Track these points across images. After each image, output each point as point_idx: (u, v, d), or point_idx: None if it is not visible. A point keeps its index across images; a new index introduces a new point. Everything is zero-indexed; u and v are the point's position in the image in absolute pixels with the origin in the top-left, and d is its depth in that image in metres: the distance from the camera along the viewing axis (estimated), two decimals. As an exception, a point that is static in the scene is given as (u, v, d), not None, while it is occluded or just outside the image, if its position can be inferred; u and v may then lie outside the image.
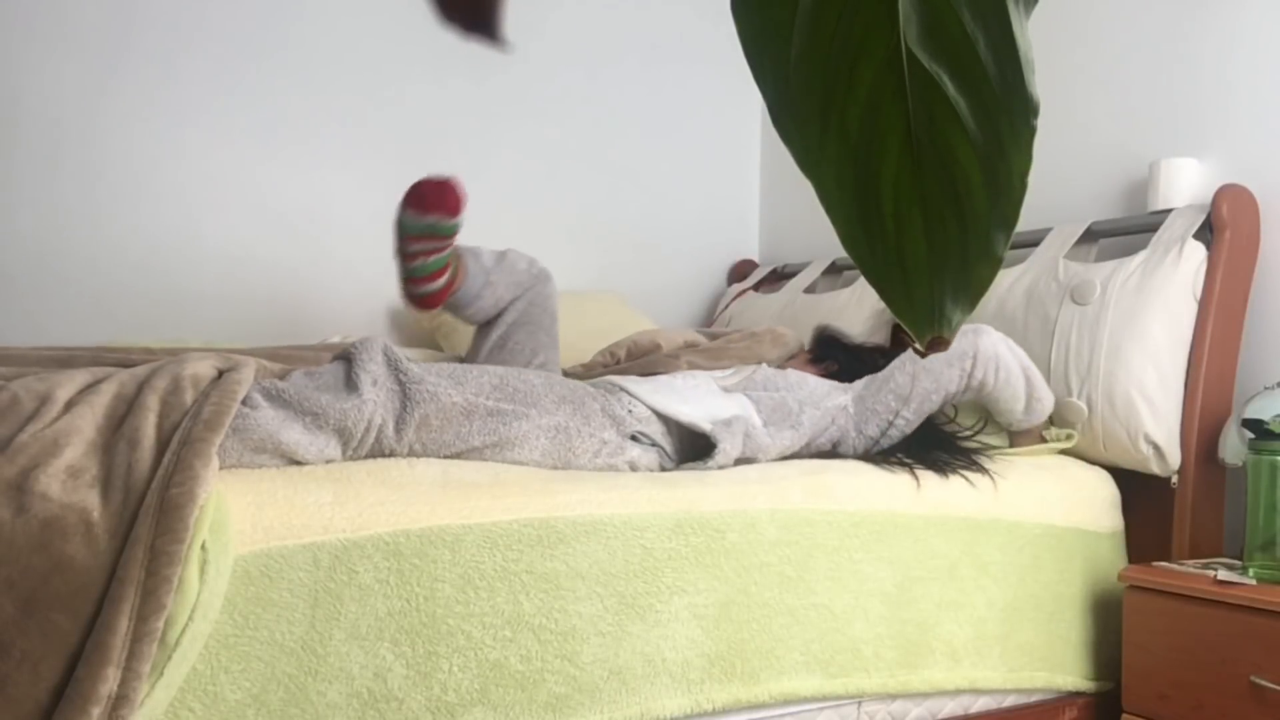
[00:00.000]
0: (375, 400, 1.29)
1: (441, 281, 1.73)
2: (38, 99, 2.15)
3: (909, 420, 1.72)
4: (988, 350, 1.76)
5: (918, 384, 1.72)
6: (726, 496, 1.45)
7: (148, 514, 1.05)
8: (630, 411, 1.54)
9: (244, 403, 1.22)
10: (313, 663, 1.13)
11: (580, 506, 1.33)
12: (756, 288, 2.87)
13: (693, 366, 1.95)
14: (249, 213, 2.37)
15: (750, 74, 0.43)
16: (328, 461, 1.27)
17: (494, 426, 1.38)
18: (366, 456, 1.31)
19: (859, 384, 1.77)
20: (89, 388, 1.20)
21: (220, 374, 1.26)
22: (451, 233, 1.68)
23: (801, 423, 1.67)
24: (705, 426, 1.55)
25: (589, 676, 1.30)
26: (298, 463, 1.25)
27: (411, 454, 1.34)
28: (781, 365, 2.03)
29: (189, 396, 1.18)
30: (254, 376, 1.27)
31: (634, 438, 1.53)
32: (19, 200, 2.15)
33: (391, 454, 1.33)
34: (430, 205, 1.64)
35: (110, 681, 0.98)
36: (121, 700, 0.98)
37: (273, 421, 1.22)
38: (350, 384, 1.30)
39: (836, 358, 1.98)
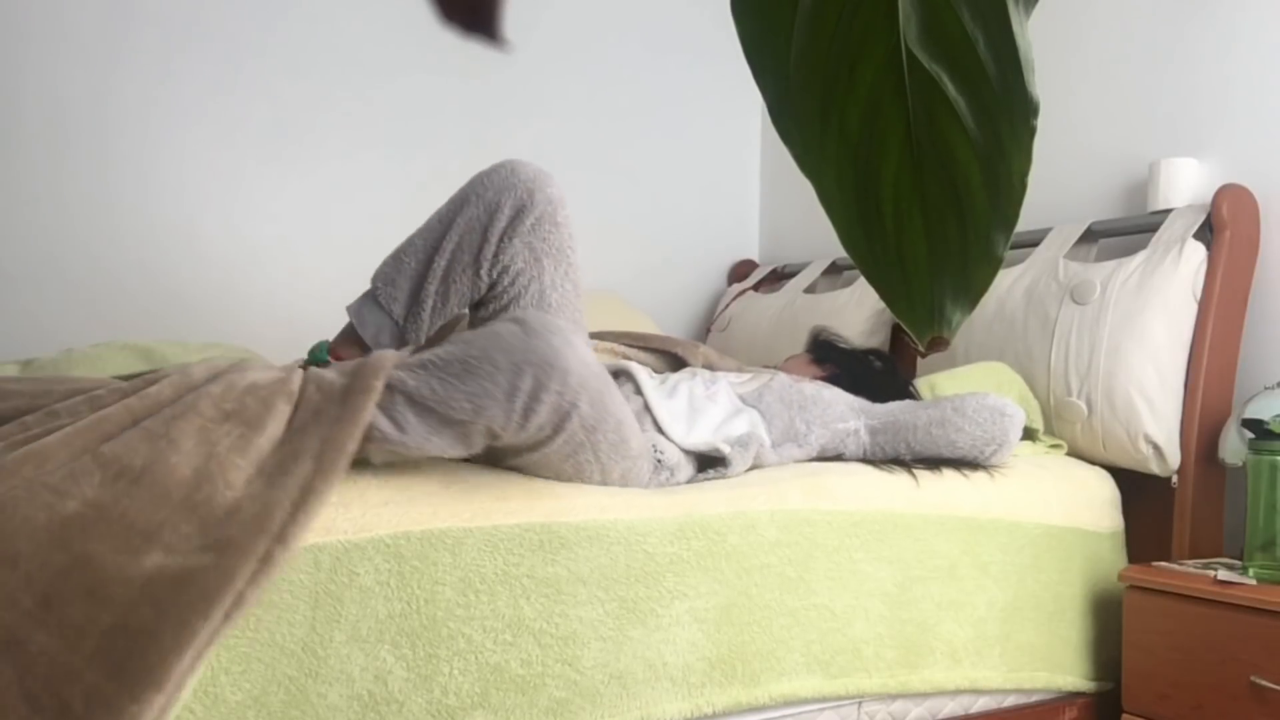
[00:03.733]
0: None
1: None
2: (38, 99, 2.14)
3: (915, 454, 1.72)
4: (1014, 443, 1.72)
5: (934, 436, 1.70)
6: (726, 499, 1.45)
7: (237, 556, 1.03)
8: (660, 459, 1.50)
9: (389, 418, 1.18)
10: (313, 664, 1.13)
11: (583, 512, 1.33)
12: (756, 288, 2.87)
13: (707, 361, 1.94)
14: (249, 213, 2.37)
15: (750, 74, 0.43)
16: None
17: (575, 469, 1.34)
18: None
19: (877, 414, 1.74)
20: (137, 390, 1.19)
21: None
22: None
23: (809, 441, 1.69)
24: (725, 450, 1.55)
25: (589, 681, 1.30)
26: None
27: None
28: (785, 363, 2.03)
29: (260, 414, 1.16)
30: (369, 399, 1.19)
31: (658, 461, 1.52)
32: (17, 200, 2.15)
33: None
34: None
35: (148, 706, 0.98)
36: None
37: (419, 441, 1.20)
38: (511, 392, 1.18)
39: (835, 362, 1.98)
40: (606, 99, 2.84)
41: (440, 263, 1.51)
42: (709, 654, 1.38)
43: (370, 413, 1.16)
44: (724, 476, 1.54)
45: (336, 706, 1.14)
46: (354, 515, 1.19)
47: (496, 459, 1.35)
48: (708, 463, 1.57)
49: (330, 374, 1.24)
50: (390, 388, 1.20)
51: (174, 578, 1.02)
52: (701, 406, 1.64)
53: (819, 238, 2.83)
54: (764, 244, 3.10)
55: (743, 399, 1.71)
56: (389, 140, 2.52)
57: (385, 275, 1.55)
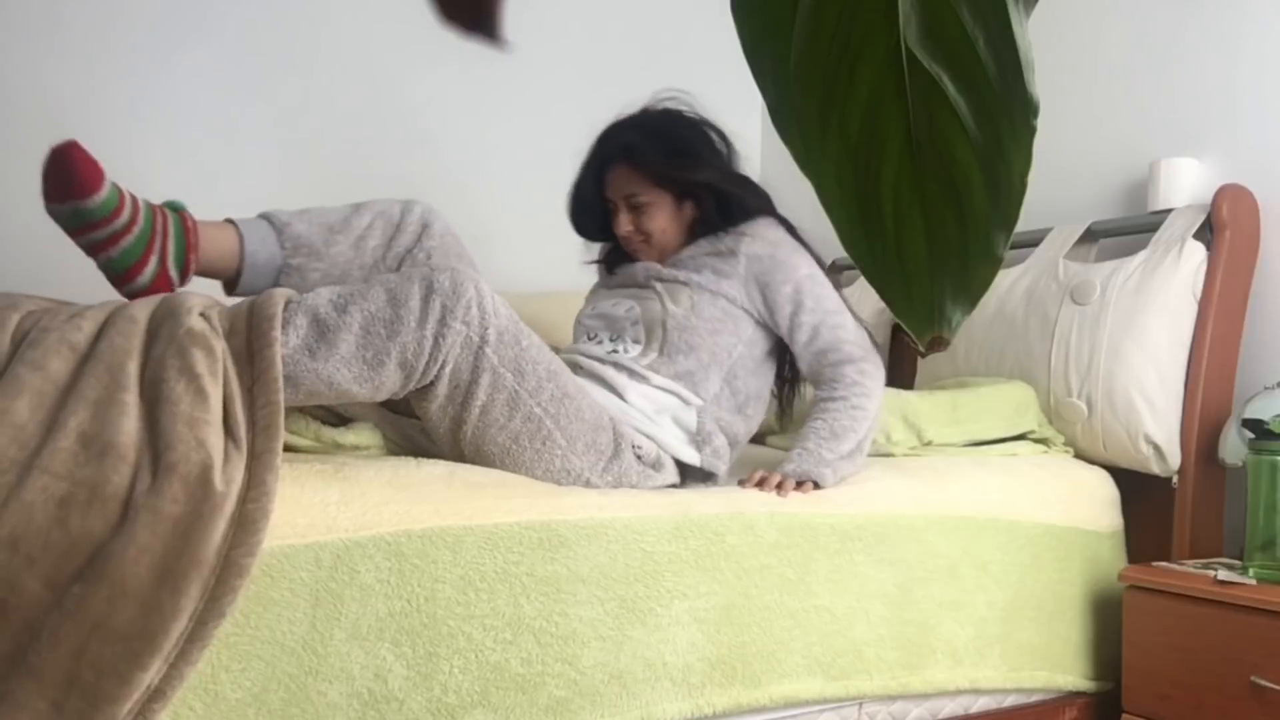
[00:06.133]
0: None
1: (150, 269, 1.36)
2: (36, 98, 2.14)
3: None
4: None
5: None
6: (725, 499, 1.45)
7: (215, 516, 1.05)
8: (640, 454, 1.50)
9: (285, 333, 1.21)
10: (313, 662, 1.13)
11: (581, 510, 1.33)
12: (756, 288, 2.86)
13: None
14: (249, 213, 2.37)
15: (750, 74, 0.43)
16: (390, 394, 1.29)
17: (531, 433, 1.37)
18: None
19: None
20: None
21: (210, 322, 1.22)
22: (101, 216, 1.30)
23: (708, 381, 1.60)
24: (694, 458, 1.56)
25: (589, 680, 1.30)
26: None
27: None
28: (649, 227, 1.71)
29: (205, 363, 1.16)
30: (277, 309, 1.22)
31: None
32: (18, 199, 2.15)
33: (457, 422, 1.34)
34: (61, 193, 1.30)
35: (152, 673, 0.99)
36: (157, 694, 1.00)
37: (325, 368, 1.23)
38: (422, 319, 1.25)
39: (695, 192, 1.70)
40: (606, 99, 2.83)
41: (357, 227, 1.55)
42: (709, 654, 1.38)
43: (274, 364, 1.18)
44: (715, 483, 1.55)
45: (336, 704, 1.14)
46: (355, 513, 1.19)
47: (476, 450, 1.37)
48: (692, 474, 1.58)
49: (232, 322, 1.23)
50: (309, 312, 1.23)
51: (164, 541, 1.03)
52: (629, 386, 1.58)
53: (819, 238, 2.82)
54: (764, 244, 3.10)
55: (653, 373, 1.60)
56: (387, 140, 2.52)
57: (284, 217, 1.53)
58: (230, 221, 1.48)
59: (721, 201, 1.68)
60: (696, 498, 1.43)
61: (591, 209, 1.73)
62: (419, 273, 1.28)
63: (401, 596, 1.19)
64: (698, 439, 1.57)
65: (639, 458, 1.48)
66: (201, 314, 1.21)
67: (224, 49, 2.32)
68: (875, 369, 1.62)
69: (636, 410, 1.54)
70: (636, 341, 1.61)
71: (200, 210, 2.28)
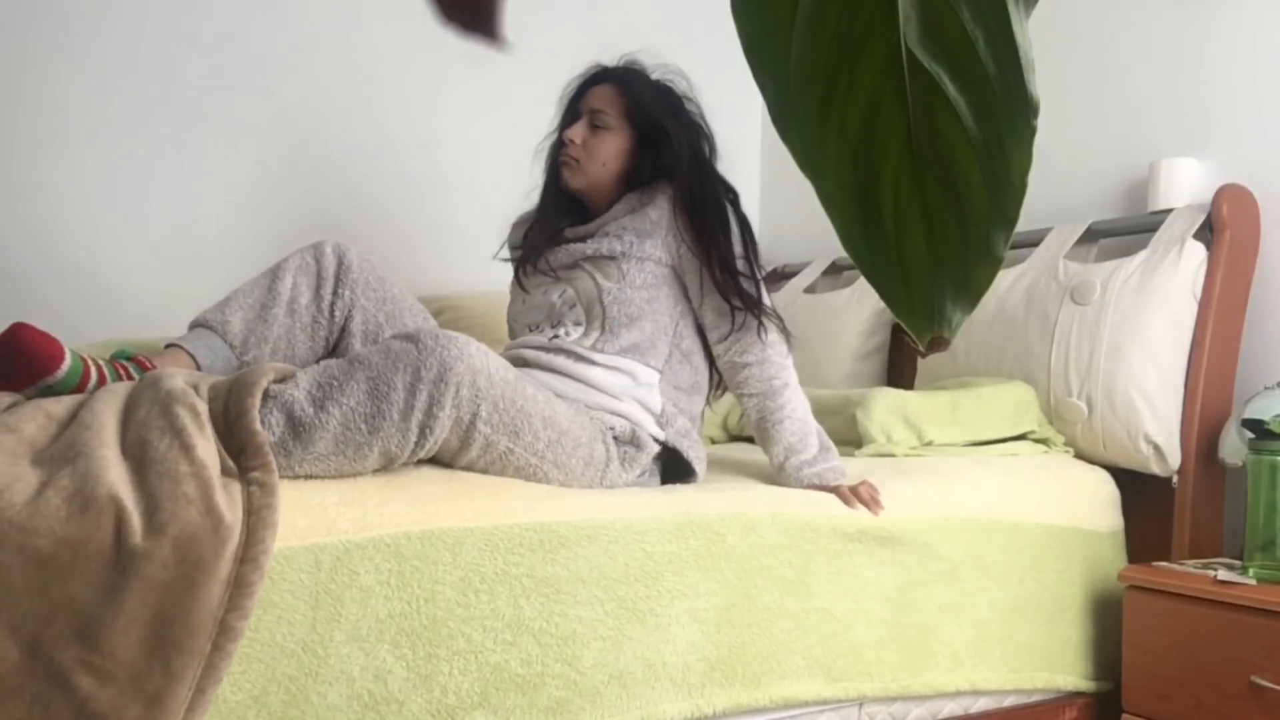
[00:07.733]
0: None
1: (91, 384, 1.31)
2: (37, 99, 2.14)
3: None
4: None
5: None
6: (727, 500, 1.45)
7: (208, 581, 1.03)
8: (617, 438, 1.51)
9: (267, 428, 1.18)
10: (313, 664, 1.13)
11: (582, 511, 1.33)
12: (756, 288, 2.86)
13: None
14: (253, 215, 2.37)
15: (750, 74, 0.43)
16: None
17: (527, 476, 1.37)
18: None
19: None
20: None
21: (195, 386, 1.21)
22: (71, 386, 1.27)
23: (656, 346, 1.59)
24: (660, 434, 1.55)
25: (589, 681, 1.30)
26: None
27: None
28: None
29: (188, 420, 1.14)
30: (259, 388, 1.20)
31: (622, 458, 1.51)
32: (17, 200, 2.15)
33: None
34: (26, 376, 1.25)
35: None
36: None
37: (309, 463, 1.21)
38: (406, 411, 1.22)
39: (651, 149, 1.67)
40: (607, 99, 2.83)
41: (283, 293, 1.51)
42: (709, 654, 1.38)
43: (257, 433, 1.15)
44: (695, 479, 1.56)
45: (336, 706, 1.14)
46: (354, 515, 1.19)
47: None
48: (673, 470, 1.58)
49: (217, 401, 1.21)
50: (284, 409, 1.19)
51: (154, 609, 1.01)
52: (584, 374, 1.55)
53: (819, 238, 2.83)
54: (764, 244, 3.10)
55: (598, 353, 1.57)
56: (390, 139, 2.52)
57: (214, 310, 1.51)
58: (174, 345, 1.46)
59: (661, 171, 1.66)
60: (698, 497, 1.43)
61: (568, 120, 1.73)
62: (405, 355, 1.23)
63: (401, 598, 1.19)
64: (661, 419, 1.56)
65: (616, 439, 1.48)
66: (186, 381, 1.21)
67: (225, 51, 2.32)
68: (786, 357, 1.61)
69: (598, 391, 1.52)
70: (577, 324, 1.59)
71: (202, 213, 2.29)
